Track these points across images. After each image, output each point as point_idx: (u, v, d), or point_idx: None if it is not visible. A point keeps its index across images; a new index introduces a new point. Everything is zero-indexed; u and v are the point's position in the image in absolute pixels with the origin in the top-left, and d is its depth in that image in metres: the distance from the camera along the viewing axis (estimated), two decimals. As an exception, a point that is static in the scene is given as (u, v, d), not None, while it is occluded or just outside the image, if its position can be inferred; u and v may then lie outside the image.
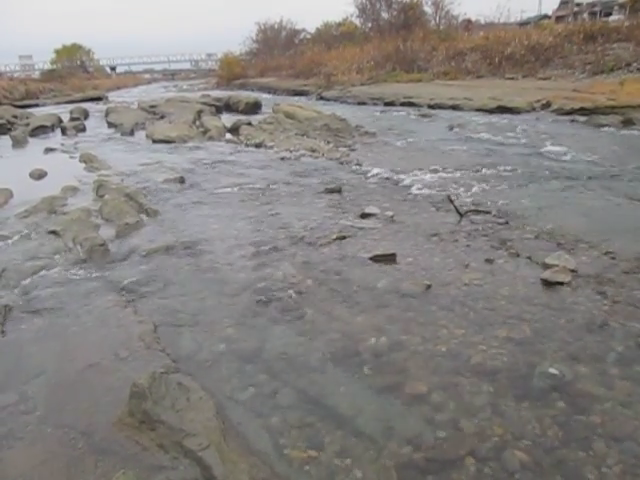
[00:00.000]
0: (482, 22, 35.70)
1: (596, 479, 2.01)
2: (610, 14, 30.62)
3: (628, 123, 10.45)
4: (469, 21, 37.49)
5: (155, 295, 3.69)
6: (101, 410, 2.48)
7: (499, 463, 2.11)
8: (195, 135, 11.78)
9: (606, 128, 10.37)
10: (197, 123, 13.90)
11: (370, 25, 38.62)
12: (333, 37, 41.06)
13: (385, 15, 36.64)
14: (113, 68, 71.73)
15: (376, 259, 4.05)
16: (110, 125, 15.22)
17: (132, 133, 13.21)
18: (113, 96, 34.23)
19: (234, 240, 4.67)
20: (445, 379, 2.62)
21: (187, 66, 78.10)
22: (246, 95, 22.17)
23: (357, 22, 40.89)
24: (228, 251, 4.42)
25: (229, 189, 6.59)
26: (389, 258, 4.04)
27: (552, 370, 2.62)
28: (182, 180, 7.15)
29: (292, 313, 3.34)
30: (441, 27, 34.33)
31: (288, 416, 2.42)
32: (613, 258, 3.95)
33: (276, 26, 49.99)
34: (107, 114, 17.13)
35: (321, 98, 22.82)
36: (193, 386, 2.56)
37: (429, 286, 3.56)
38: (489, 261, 3.97)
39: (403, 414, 2.41)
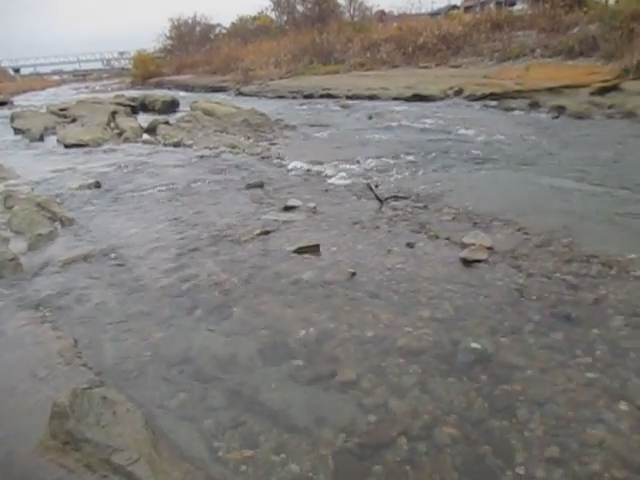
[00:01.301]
0: (395, 13, 36.54)
1: (520, 444, 2.10)
2: (514, 4, 32.01)
3: (535, 106, 11.07)
4: (382, 12, 38.21)
5: (74, 308, 3.50)
6: (20, 437, 2.31)
7: (430, 440, 2.16)
8: (110, 137, 11.29)
9: (515, 112, 10.94)
10: (112, 125, 13.32)
11: (286, 18, 38.53)
12: (249, 31, 40.68)
13: (300, 8, 36.68)
14: (17, 70, 67.42)
15: (300, 251, 4.05)
16: (17, 131, 14.28)
17: (42, 139, 12.46)
18: (19, 100, 32.14)
19: (155, 243, 4.52)
20: (374, 363, 2.65)
21: (99, 66, 74.76)
22: (162, 94, 21.51)
23: (272, 16, 40.70)
24: (149, 255, 4.27)
25: (148, 191, 6.37)
26: (313, 249, 4.05)
27: (474, 345, 2.71)
28: (98, 185, 6.83)
29: (219, 313, 3.27)
30: (355, 19, 34.78)
31: (221, 418, 2.37)
32: (526, 233, 4.15)
33: (190, 21, 48.82)
34: (12, 120, 16.04)
35: (240, 94, 22.56)
36: (119, 399, 2.44)
37: (354, 273, 3.59)
38: (410, 245, 4.06)
39: (335, 402, 2.42)
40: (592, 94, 10.76)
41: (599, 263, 3.57)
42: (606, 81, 11.16)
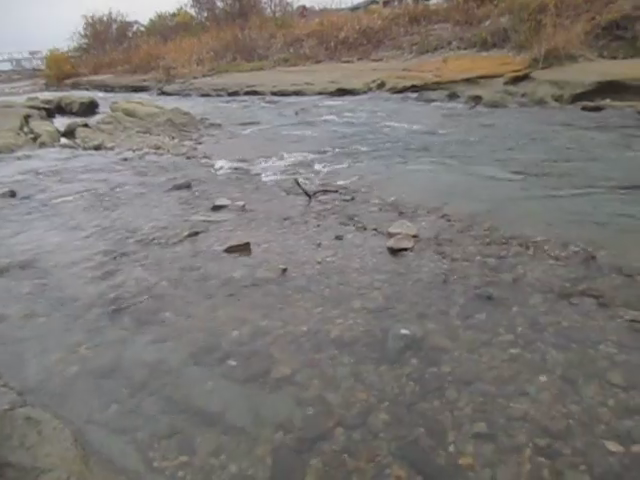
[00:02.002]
0: (316, 8, 36.65)
1: (451, 423, 2.19)
2: (430, -3, 32.91)
3: (453, 96, 11.50)
4: (304, 7, 38.25)
5: (-9, 325, 3.30)
6: None
7: (366, 427, 2.21)
8: (24, 143, 10.67)
9: (435, 103, 11.32)
10: (25, 129, 12.59)
11: (206, 14, 37.79)
12: (169, 28, 39.54)
13: (220, 4, 36.08)
14: None
15: (231, 250, 4.01)
16: None
17: (-55, 147, 11.64)
18: None
19: (78, 252, 4.33)
20: (308, 357, 2.68)
21: (8, 66, 70.25)
22: (80, 95, 20.56)
23: (192, 12, 39.78)
24: (73, 264, 4.08)
25: (69, 197, 6.09)
26: (244, 248, 4.03)
27: (404, 331, 2.79)
28: (13, 194, 6.45)
29: (149, 319, 3.19)
30: (277, 14, 34.63)
31: (156, 426, 2.31)
32: (449, 220, 4.32)
33: (105, 18, 46.86)
34: None
35: (162, 93, 21.95)
36: (44, 417, 2.33)
37: (285, 270, 3.61)
38: (339, 237, 4.12)
39: (271, 400, 2.42)
40: (506, 84, 11.29)
41: (517, 244, 3.77)
42: (518, 71, 11.73)
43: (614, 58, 11.50)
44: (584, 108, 9.20)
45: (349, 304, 3.13)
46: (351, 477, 1.98)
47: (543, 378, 2.40)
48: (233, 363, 2.69)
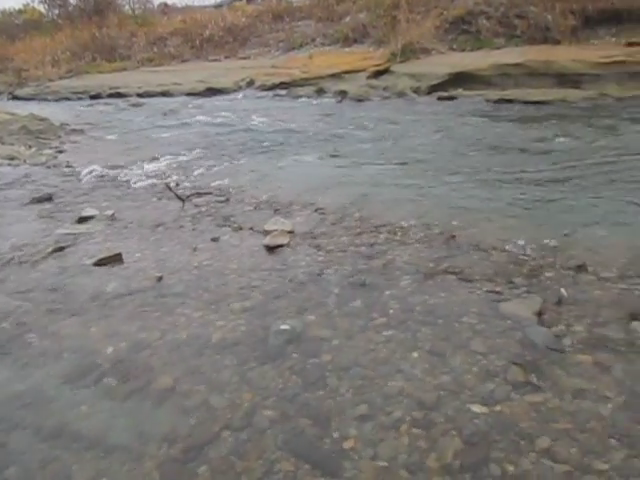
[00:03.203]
0: (179, 5, 35.56)
1: (334, 409, 2.26)
2: (293, -6, 33.25)
3: (321, 92, 11.80)
4: (165, 5, 36.96)
5: None
6: None
7: (252, 427, 2.21)
8: None
9: (304, 98, 11.55)
10: None
11: (57, 12, 35.17)
12: (16, 27, 36.30)
13: (72, 0, 33.76)
14: None
15: (101, 263, 3.81)
16: None
17: None
18: None
19: None
20: (190, 364, 2.63)
21: None
22: None
23: (41, 9, 36.78)
24: None
25: None
26: (115, 259, 3.84)
27: (284, 326, 2.84)
28: None
29: (13, 345, 2.94)
30: (137, 12, 33.15)
31: (27, 461, 2.15)
32: (322, 213, 4.45)
33: (-64, 16, 41.86)
34: None
35: (14, 97, 20.10)
36: None
37: (160, 278, 3.50)
38: (215, 239, 4.08)
39: (154, 413, 2.35)
40: (368, 78, 11.80)
41: (386, 232, 3.99)
42: (379, 65, 12.31)
43: (463, 51, 12.48)
44: (440, 98, 9.92)
45: (229, 306, 3.11)
46: (240, 478, 1.99)
47: (415, 354, 2.56)
48: (110, 381, 2.57)
